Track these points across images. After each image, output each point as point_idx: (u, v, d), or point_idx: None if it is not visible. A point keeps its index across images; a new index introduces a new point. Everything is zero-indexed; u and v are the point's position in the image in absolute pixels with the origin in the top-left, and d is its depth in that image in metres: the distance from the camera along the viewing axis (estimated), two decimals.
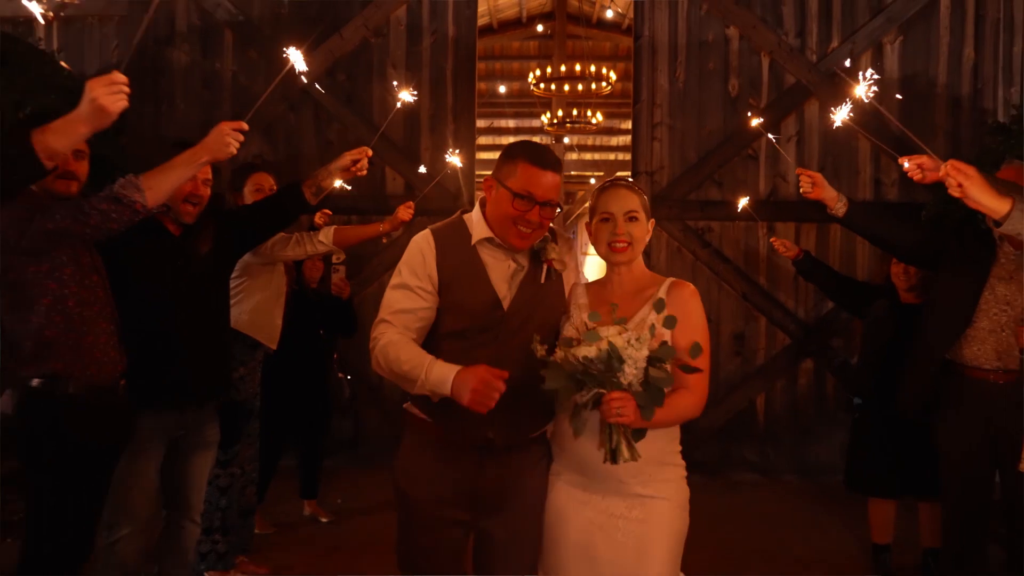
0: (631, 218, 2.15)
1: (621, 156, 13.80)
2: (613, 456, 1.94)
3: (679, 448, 2.19)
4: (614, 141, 14.12)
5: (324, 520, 4.29)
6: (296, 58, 2.43)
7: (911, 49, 5.34)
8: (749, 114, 3.79)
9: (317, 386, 4.04)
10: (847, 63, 5.27)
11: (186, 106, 5.52)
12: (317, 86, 3.16)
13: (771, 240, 4.40)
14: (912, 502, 3.58)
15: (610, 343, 1.87)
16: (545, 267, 2.18)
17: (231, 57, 5.55)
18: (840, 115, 2.59)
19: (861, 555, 3.86)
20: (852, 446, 3.69)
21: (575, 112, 9.49)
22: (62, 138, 1.85)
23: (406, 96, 3.38)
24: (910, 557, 3.70)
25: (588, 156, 14.16)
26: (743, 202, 4.69)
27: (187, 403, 2.76)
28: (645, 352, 1.89)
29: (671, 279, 2.17)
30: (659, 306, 2.04)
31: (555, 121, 9.29)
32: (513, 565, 2.16)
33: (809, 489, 5.05)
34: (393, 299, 2.14)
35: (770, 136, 4.99)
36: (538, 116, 11.12)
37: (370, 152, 2.84)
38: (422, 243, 2.16)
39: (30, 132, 1.78)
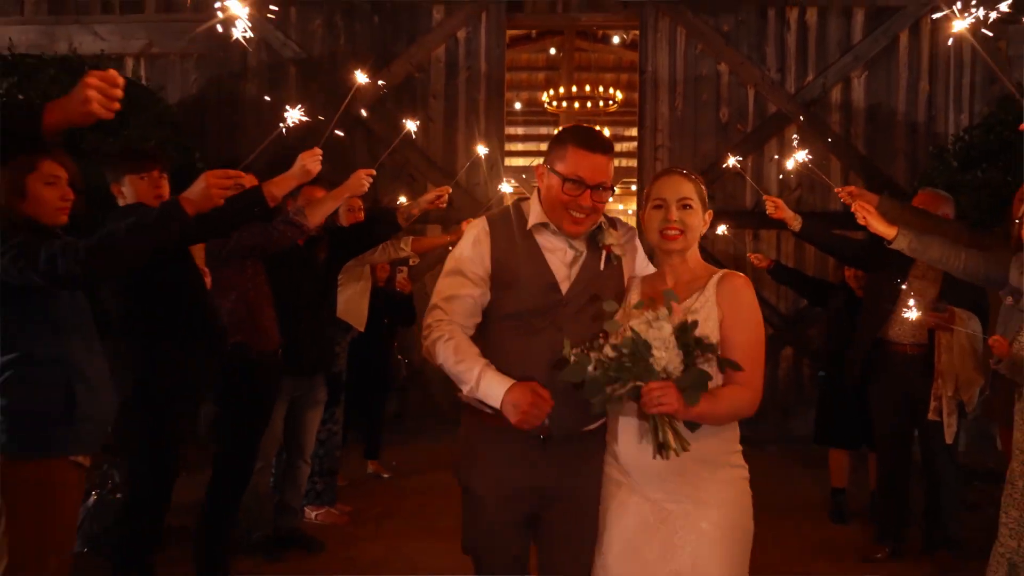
0: (684, 205, 2.06)
1: (625, 162, 14.69)
2: (661, 449, 1.86)
3: (737, 448, 2.06)
4: (618, 148, 15.03)
5: (385, 476, 5.23)
6: (361, 78, 3.12)
7: (875, 82, 6.27)
8: (732, 161, 4.66)
9: (381, 365, 4.98)
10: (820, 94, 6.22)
11: (256, 133, 6.46)
12: (409, 127, 3.74)
13: (748, 255, 5.32)
14: (865, 451, 4.50)
15: (632, 329, 1.82)
16: (604, 253, 2.15)
17: (294, 89, 6.49)
18: (795, 157, 3.47)
19: (824, 501, 4.78)
20: (818, 409, 4.63)
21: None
22: (282, 189, 2.74)
23: (411, 125, 3.95)
24: (862, 502, 4.63)
25: None
26: (721, 228, 5.55)
27: (305, 371, 3.71)
28: (668, 328, 1.82)
29: (724, 270, 2.08)
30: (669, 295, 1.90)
31: None
32: (575, 555, 2.12)
33: (787, 456, 5.95)
34: (446, 285, 2.13)
35: (737, 166, 5.82)
36: (545, 124, 12.04)
37: (450, 190, 3.78)
38: (477, 230, 2.16)
39: (261, 185, 2.68)
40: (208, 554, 3.25)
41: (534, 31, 11.59)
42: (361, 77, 2.98)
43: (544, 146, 14.14)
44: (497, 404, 1.94)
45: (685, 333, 1.83)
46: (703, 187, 2.13)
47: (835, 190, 3.56)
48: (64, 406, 2.09)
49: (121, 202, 2.79)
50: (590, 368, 1.83)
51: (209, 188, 2.21)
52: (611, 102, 9.78)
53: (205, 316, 2.79)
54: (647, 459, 1.91)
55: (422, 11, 6.42)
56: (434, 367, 2.10)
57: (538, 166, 2.17)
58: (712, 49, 6.29)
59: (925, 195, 3.84)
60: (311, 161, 2.75)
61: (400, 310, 4.97)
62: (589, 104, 10.00)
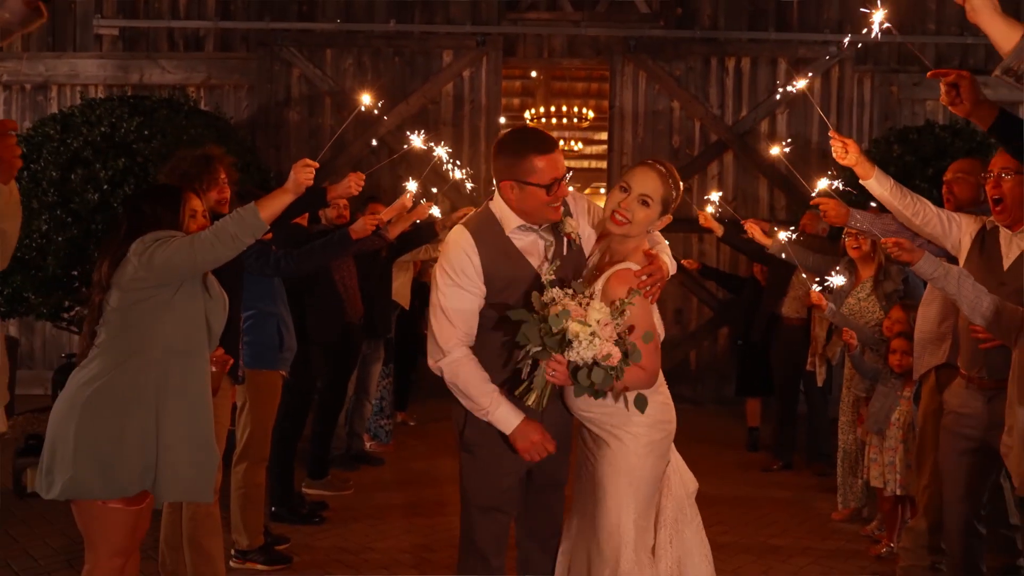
0: (643, 201, 2.25)
1: (594, 164, 16.30)
2: (521, 394, 2.25)
3: (631, 429, 2.37)
4: (588, 150, 16.65)
5: (412, 423, 6.75)
6: (416, 141, 4.53)
7: (794, 117, 7.92)
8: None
9: (413, 338, 6.51)
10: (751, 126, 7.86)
11: (296, 151, 7.91)
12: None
13: (681, 261, 6.85)
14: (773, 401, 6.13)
15: (568, 326, 2.12)
16: (566, 240, 2.44)
17: (329, 115, 7.95)
18: (713, 197, 5.02)
19: (744, 438, 6.41)
20: (737, 368, 6.25)
21: (561, 141, 12.02)
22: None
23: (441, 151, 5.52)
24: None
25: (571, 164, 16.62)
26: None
27: (373, 334, 5.23)
28: (590, 354, 2.12)
29: (615, 268, 2.30)
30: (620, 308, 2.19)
31: None
32: (559, 493, 2.61)
33: (722, 412, 7.59)
34: (450, 299, 2.33)
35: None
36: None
37: (472, 209, 5.30)
38: (462, 243, 2.33)
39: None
40: (318, 460, 4.77)
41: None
42: (366, 99, 3.40)
43: None
44: (509, 431, 2.35)
45: (602, 363, 2.16)
46: (674, 192, 2.36)
47: (742, 222, 5.13)
48: (278, 340, 3.61)
49: None
50: (532, 316, 2.18)
51: (366, 223, 3.73)
52: (584, 120, 11.37)
53: (335, 292, 4.34)
54: (577, 405, 2.39)
55: (434, 55, 7.93)
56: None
57: (503, 183, 2.35)
58: (667, 89, 7.89)
59: (809, 214, 5.48)
60: (303, 174, 2.67)
61: (427, 296, 6.51)
62: (564, 120, 11.58)
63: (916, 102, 8.14)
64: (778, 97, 7.87)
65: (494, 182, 2.50)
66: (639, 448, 2.37)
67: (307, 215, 4.32)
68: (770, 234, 4.82)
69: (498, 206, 2.42)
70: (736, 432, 6.72)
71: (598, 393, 2.22)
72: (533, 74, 11.90)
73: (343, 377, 4.82)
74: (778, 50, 7.96)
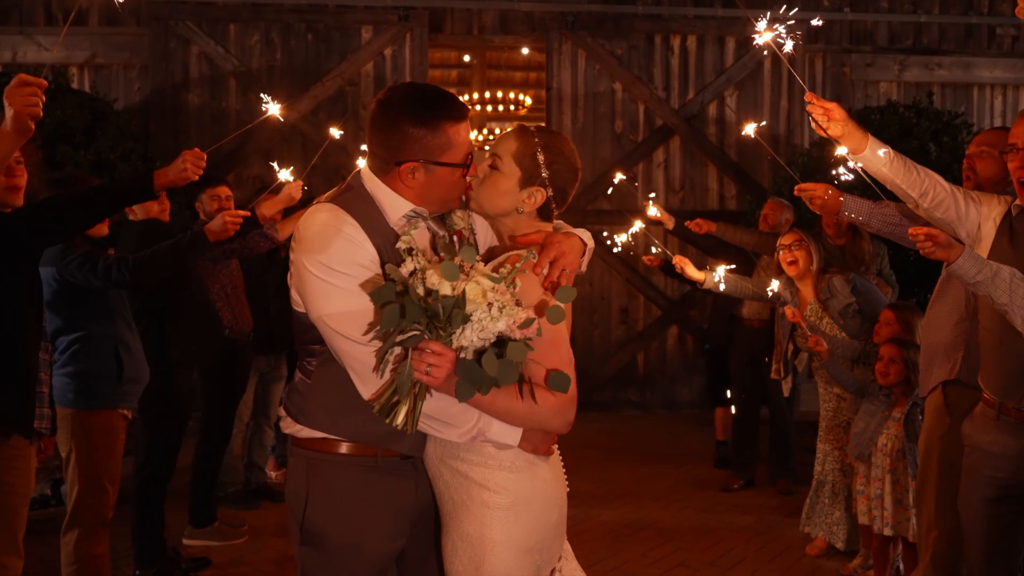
0: (491, 165, 1.81)
1: None
2: (384, 409, 1.59)
3: (501, 483, 1.70)
4: None
5: None
6: (274, 109, 3.45)
7: (744, 100, 7.36)
8: (619, 178, 5.69)
9: None
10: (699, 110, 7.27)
11: (199, 138, 7.02)
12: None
13: (642, 257, 6.19)
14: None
15: (465, 290, 1.51)
16: (455, 238, 1.85)
17: (234, 99, 7.09)
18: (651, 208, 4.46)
19: (698, 450, 5.81)
20: (706, 374, 5.63)
21: (497, 130, 11.30)
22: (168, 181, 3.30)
23: (336, 133, 4.65)
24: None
25: None
26: (621, 238, 6.38)
27: (271, 350, 4.44)
28: (500, 326, 1.52)
29: (506, 254, 1.76)
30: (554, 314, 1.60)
31: (481, 136, 11.10)
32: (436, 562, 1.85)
33: (675, 418, 7.01)
34: (346, 300, 1.67)
35: (624, 179, 6.71)
36: None
37: None
38: (343, 226, 1.71)
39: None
40: (201, 504, 3.96)
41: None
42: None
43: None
44: (518, 440, 1.70)
45: (506, 344, 1.55)
46: (541, 154, 1.78)
47: (686, 223, 4.58)
48: (116, 370, 2.81)
49: (132, 217, 3.46)
50: (404, 272, 1.57)
51: (226, 224, 2.95)
52: (522, 107, 10.66)
53: (208, 303, 3.52)
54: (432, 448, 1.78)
55: (352, 30, 7.13)
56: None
57: (406, 166, 1.75)
58: (608, 69, 7.25)
59: (771, 203, 4.89)
60: (18, 98, 2.16)
61: None
62: (501, 108, 10.86)
63: (869, 83, 7.68)
64: (727, 79, 7.31)
65: (369, 158, 1.87)
66: (503, 536, 1.70)
67: (168, 208, 3.52)
68: (723, 231, 4.25)
69: (379, 188, 1.81)
70: (689, 443, 6.13)
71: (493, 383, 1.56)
72: (466, 58, 11.19)
73: (229, 403, 4.02)
74: (725, 28, 7.38)
